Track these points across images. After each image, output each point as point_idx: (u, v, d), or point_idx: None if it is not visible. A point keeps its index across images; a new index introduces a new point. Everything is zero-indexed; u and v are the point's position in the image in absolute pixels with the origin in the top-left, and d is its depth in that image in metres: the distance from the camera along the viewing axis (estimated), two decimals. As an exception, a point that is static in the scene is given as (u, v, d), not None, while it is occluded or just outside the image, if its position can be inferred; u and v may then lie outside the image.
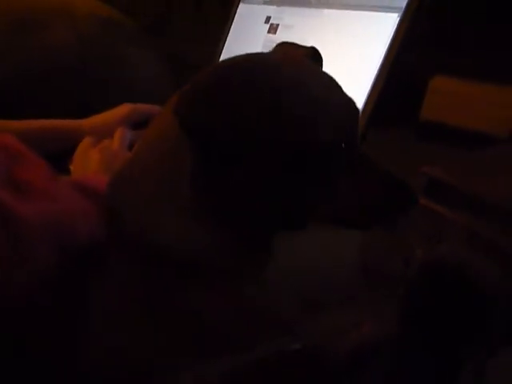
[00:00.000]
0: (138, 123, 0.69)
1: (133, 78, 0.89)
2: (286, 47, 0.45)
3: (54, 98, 0.79)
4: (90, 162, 0.58)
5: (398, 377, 0.42)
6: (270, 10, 0.85)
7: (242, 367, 0.39)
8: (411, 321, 0.43)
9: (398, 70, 0.65)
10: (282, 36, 0.81)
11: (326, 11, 0.76)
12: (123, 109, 0.71)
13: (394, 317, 0.43)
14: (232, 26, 0.91)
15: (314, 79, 0.39)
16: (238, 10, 0.91)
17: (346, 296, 0.51)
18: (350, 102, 0.40)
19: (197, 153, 0.36)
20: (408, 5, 0.64)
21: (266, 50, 0.81)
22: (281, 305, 0.44)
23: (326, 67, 0.44)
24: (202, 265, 0.39)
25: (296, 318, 0.45)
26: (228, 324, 0.39)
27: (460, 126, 0.80)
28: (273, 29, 0.83)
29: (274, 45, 0.47)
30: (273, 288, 0.44)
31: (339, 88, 0.40)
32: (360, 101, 0.65)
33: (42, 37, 0.82)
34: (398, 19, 0.65)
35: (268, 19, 0.84)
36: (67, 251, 0.38)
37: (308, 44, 0.45)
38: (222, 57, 0.92)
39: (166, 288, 0.39)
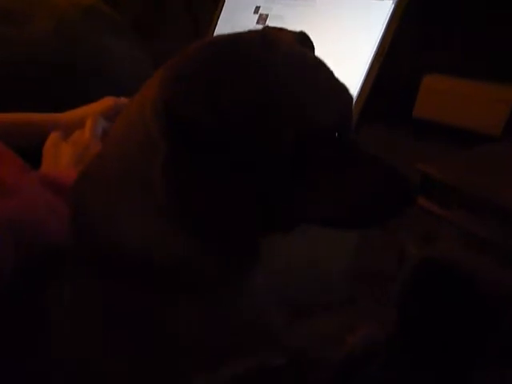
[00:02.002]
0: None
1: (117, 70, 0.86)
2: (274, 31, 0.42)
3: (38, 90, 0.76)
4: (61, 157, 0.55)
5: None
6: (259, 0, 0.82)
7: (228, 381, 0.35)
8: (406, 322, 0.40)
9: (392, 63, 0.63)
10: (271, 26, 0.78)
11: (318, 0, 0.73)
12: (104, 102, 0.68)
13: (390, 318, 0.40)
14: (220, 17, 0.88)
15: (305, 63, 0.36)
16: (226, 1, 0.88)
17: (339, 299, 0.49)
18: (342, 88, 0.36)
19: (176, 142, 0.32)
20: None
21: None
22: (269, 315, 0.40)
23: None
24: (180, 271, 0.35)
25: (286, 327, 0.41)
26: (213, 336, 0.35)
27: (452, 123, 0.80)
28: (262, 19, 0.80)
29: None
30: (260, 296, 0.40)
31: (331, 72, 0.37)
32: (353, 90, 0.63)
33: (26, 28, 0.79)
34: (393, 6, 0.63)
35: (257, 9, 0.82)
36: (31, 248, 0.35)
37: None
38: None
39: (135, 294, 0.34)
